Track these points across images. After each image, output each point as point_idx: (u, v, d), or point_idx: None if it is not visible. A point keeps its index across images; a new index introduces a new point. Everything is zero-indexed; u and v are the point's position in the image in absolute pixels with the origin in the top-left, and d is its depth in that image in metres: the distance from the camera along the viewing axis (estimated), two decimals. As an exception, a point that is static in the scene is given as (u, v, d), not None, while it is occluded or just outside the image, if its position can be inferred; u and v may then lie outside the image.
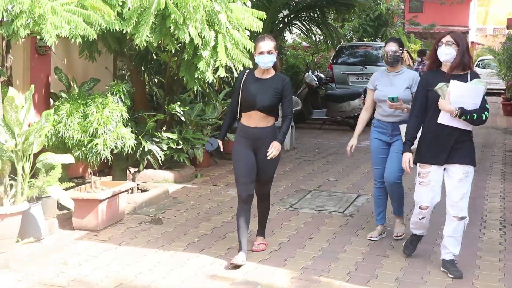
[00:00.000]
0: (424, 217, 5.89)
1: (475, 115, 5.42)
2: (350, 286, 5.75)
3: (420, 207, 5.85)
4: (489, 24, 38.34)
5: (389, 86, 6.61)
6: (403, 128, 6.34)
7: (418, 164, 5.77)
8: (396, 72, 6.72)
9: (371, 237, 6.88)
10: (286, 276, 5.92)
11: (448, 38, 5.55)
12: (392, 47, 6.64)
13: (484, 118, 5.51)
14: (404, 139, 6.19)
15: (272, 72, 6.03)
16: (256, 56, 5.89)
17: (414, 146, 5.93)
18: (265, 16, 7.61)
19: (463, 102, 5.39)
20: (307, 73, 16.77)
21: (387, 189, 6.84)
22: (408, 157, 5.74)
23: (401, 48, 6.72)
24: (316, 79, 16.67)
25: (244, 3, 7.48)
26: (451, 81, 5.44)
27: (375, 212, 7.14)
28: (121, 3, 6.50)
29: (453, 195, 5.64)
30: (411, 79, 6.62)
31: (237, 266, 5.78)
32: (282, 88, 5.94)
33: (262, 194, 6.39)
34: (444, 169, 5.71)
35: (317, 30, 15.08)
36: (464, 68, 5.59)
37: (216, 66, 7.39)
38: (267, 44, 5.78)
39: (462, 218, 5.67)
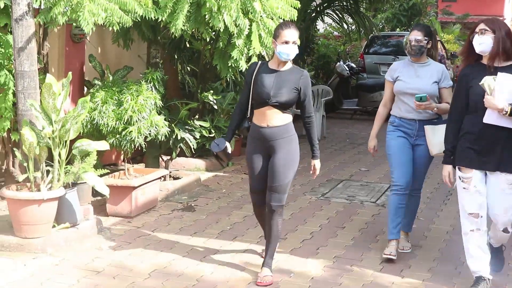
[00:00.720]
0: (479, 229, 4.89)
1: None
2: (383, 275, 5.79)
3: (469, 214, 4.90)
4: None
5: (415, 78, 5.78)
6: (430, 130, 5.63)
7: (457, 168, 4.95)
8: (421, 63, 5.89)
9: (389, 254, 5.81)
10: (319, 265, 5.97)
11: (482, 26, 4.81)
12: (416, 35, 5.76)
13: None
14: (430, 144, 5.63)
15: (290, 64, 5.21)
16: (278, 46, 5.01)
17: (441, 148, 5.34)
18: (299, 5, 7.65)
19: None
20: (338, 63, 16.83)
21: (407, 198, 5.92)
22: (449, 170, 4.97)
23: (426, 38, 5.77)
24: (347, 69, 16.71)
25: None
26: (498, 73, 4.66)
27: (392, 224, 5.96)
28: None
29: (494, 207, 4.85)
30: (440, 73, 5.84)
31: None
32: (300, 84, 5.10)
33: (273, 205, 5.22)
34: (486, 175, 4.90)
35: (349, 19, 15.08)
36: (508, 57, 4.80)
37: (249, 54, 7.43)
38: (293, 33, 4.95)
39: (509, 231, 5.00)
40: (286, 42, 4.95)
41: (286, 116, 5.10)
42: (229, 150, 5.11)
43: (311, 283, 5.62)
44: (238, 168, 10.46)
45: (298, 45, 5.15)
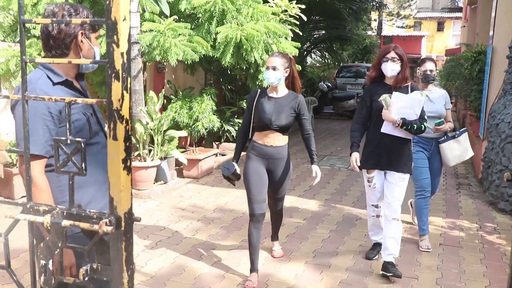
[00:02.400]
0: (378, 215, 4.40)
1: (415, 126, 3.93)
2: (353, 209, 6.11)
3: (372, 205, 4.40)
4: (433, 53, 38.16)
5: (429, 103, 4.58)
6: (445, 147, 4.76)
7: (363, 170, 4.24)
8: (429, 90, 4.72)
9: (427, 248, 4.75)
10: (316, 203, 6.29)
11: (393, 54, 4.04)
12: (430, 67, 4.72)
13: (423, 128, 4.01)
14: (447, 157, 4.78)
15: (285, 90, 4.02)
16: (264, 71, 4.01)
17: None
18: (299, 45, 7.62)
19: (405, 112, 3.93)
20: (320, 83, 16.94)
21: (425, 202, 4.85)
22: (355, 156, 4.15)
23: (436, 69, 4.82)
24: (326, 87, 16.85)
25: (286, 37, 7.39)
26: (394, 92, 3.97)
27: (422, 221, 4.88)
28: (213, 39, 6.71)
29: (388, 196, 4.12)
30: (445, 97, 4.79)
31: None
32: (296, 107, 3.99)
33: (276, 210, 4.39)
34: (384, 173, 4.18)
35: (327, 55, 15.28)
36: (405, 81, 4.12)
37: (261, 84, 7.39)
38: (274, 60, 3.88)
39: (395, 219, 4.11)
40: (267, 68, 3.88)
41: (285, 137, 4.02)
42: (238, 171, 4.00)
43: (311, 214, 5.86)
44: None
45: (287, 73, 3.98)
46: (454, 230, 5.39)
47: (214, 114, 7.65)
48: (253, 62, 7.00)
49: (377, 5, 16.91)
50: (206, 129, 7.45)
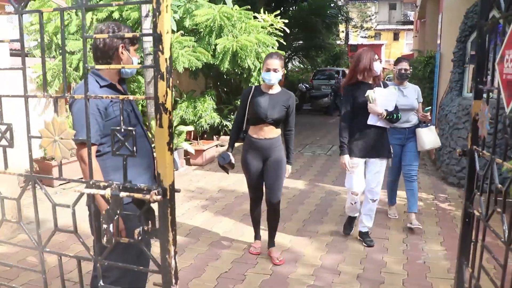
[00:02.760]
0: (356, 202, 4.12)
1: (395, 115, 3.85)
2: (335, 187, 6.17)
3: (352, 193, 4.06)
4: (391, 58, 38.38)
5: (402, 97, 4.38)
6: (422, 132, 4.45)
7: (346, 159, 3.92)
8: (404, 86, 4.49)
9: (394, 215, 4.84)
10: (302, 183, 6.33)
11: (377, 56, 3.92)
12: (404, 65, 4.46)
13: (400, 117, 3.91)
14: (422, 142, 4.45)
15: (279, 88, 3.72)
16: (263, 72, 3.65)
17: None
18: (284, 53, 7.72)
19: (386, 105, 3.81)
20: (299, 84, 17.04)
21: (406, 185, 4.57)
22: (347, 159, 3.91)
23: (410, 67, 4.54)
24: (304, 87, 16.88)
25: (273, 47, 7.32)
26: (376, 88, 3.83)
27: (390, 196, 4.93)
28: (213, 49, 6.75)
29: (371, 183, 3.98)
30: (417, 91, 4.53)
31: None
32: (289, 103, 3.67)
33: (273, 204, 3.76)
34: (365, 162, 3.97)
35: (305, 60, 15.38)
36: (380, 78, 3.99)
37: (259, 80, 7.43)
38: (274, 62, 3.63)
39: (375, 200, 4.05)
40: (268, 70, 3.57)
41: (278, 130, 3.71)
42: (233, 160, 3.75)
43: (299, 191, 5.93)
44: None
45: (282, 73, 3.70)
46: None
47: (214, 112, 7.69)
48: (246, 67, 7.06)
49: (345, 19, 16.98)
50: (208, 124, 7.50)
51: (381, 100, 3.80)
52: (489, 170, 2.21)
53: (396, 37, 41.44)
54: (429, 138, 4.46)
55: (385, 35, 40.36)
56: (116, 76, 2.29)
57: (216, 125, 7.94)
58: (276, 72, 3.57)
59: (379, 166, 3.97)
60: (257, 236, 4.04)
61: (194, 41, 6.76)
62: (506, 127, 2.00)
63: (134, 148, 1.65)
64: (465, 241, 2.63)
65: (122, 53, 2.21)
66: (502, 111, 2.13)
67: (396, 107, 3.90)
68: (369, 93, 3.80)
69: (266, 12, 7.83)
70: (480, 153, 2.40)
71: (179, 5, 6.55)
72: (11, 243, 2.03)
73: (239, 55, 6.68)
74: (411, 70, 4.50)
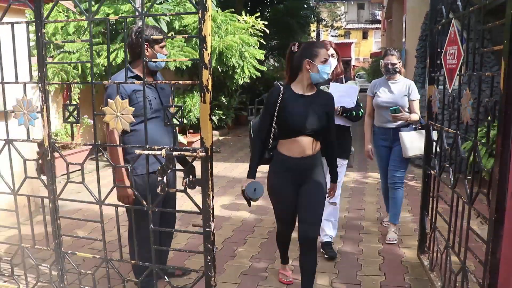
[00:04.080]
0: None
1: (354, 112, 3.35)
2: None
3: None
4: (360, 56, 39.59)
5: (388, 93, 3.91)
6: (404, 136, 3.82)
7: None
8: (394, 80, 3.92)
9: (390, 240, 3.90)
10: None
11: (332, 51, 3.34)
12: (391, 59, 3.88)
13: (360, 115, 3.40)
14: (404, 147, 3.82)
15: (314, 87, 2.74)
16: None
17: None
18: (264, 52, 8.41)
19: (343, 101, 3.33)
20: (275, 82, 17.66)
21: (390, 192, 4.02)
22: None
23: (399, 61, 3.96)
24: (279, 84, 17.56)
25: (254, 46, 7.96)
26: (331, 83, 3.35)
27: (386, 204, 4.29)
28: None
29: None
30: (408, 87, 3.90)
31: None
32: (328, 108, 2.75)
33: (309, 240, 2.70)
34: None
35: (282, 60, 15.95)
36: (341, 73, 3.51)
37: (243, 76, 8.14)
38: (329, 51, 3.10)
39: (333, 203, 3.53)
40: (325, 60, 2.64)
41: (318, 143, 2.74)
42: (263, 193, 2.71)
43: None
44: (235, 134, 10.68)
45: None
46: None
47: (201, 107, 8.17)
48: (231, 65, 7.63)
49: (316, 19, 17.70)
50: (196, 118, 8.01)
51: (337, 96, 3.18)
52: (440, 137, 2.89)
53: (365, 35, 42.77)
54: (413, 143, 3.81)
55: (354, 34, 41.57)
56: (145, 70, 2.79)
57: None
58: (334, 57, 3.21)
59: (339, 166, 3.21)
60: (285, 260, 3.22)
61: (183, 42, 7.25)
62: (449, 103, 2.68)
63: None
64: (425, 196, 3.33)
65: (147, 50, 2.75)
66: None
67: (357, 103, 3.43)
68: (322, 87, 3.29)
69: (247, 14, 8.42)
70: (435, 126, 3.08)
71: (170, 9, 7.06)
72: (77, 200, 2.58)
73: (224, 54, 7.25)
74: (400, 63, 3.93)
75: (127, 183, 2.67)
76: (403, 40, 9.01)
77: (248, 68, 8.03)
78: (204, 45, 2.10)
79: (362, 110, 3.47)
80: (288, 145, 2.70)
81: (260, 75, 8.41)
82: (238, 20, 7.91)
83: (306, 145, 2.68)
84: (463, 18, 2.49)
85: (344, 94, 3.40)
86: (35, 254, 2.91)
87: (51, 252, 2.74)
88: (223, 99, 10.05)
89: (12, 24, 2.50)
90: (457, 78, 2.56)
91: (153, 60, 2.64)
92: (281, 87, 2.74)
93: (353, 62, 37.56)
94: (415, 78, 7.69)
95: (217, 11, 7.46)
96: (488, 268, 2.03)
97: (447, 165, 2.73)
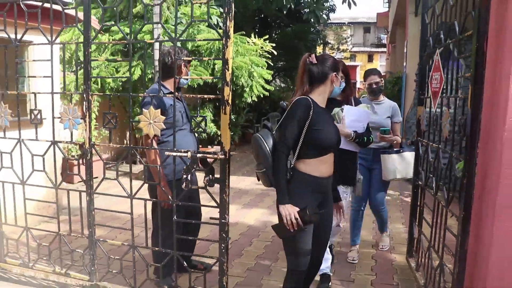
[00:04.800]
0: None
1: (365, 138, 3.14)
2: None
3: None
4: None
5: (372, 114, 3.70)
6: (387, 158, 3.75)
7: None
8: (378, 101, 3.88)
9: (353, 260, 3.87)
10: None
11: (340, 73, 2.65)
12: (374, 79, 3.80)
13: (371, 140, 3.21)
14: (385, 169, 3.79)
15: None
16: (339, 81, 2.57)
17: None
18: (272, 73, 8.89)
19: (355, 126, 3.11)
20: (281, 102, 18.10)
21: (374, 213, 4.09)
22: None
23: (381, 79, 3.86)
24: (285, 105, 17.91)
25: (262, 67, 8.39)
26: (345, 106, 3.14)
27: (353, 233, 4.03)
28: (211, 69, 7.60)
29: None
30: (392, 109, 3.88)
31: None
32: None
33: (320, 262, 2.72)
34: None
35: (288, 80, 16.44)
36: (350, 95, 3.26)
37: (251, 95, 8.54)
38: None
39: (338, 226, 3.34)
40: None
41: None
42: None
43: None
44: (242, 150, 10.98)
45: None
46: (383, 195, 6.54)
47: (211, 123, 8.61)
48: (240, 85, 8.11)
49: (323, 42, 18.27)
50: (206, 134, 8.44)
51: (350, 119, 3.12)
52: (426, 152, 3.32)
53: (370, 59, 43.49)
54: (393, 165, 3.74)
55: (360, 57, 42.31)
56: (174, 86, 3.22)
57: (212, 135, 8.86)
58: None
59: (342, 191, 3.16)
60: None
61: (196, 62, 7.75)
62: (433, 122, 3.11)
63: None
64: (414, 205, 3.74)
65: (182, 69, 3.20)
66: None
67: (368, 128, 3.24)
68: (336, 111, 3.12)
69: (256, 36, 8.94)
70: (423, 142, 3.50)
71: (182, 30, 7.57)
72: (109, 194, 3.00)
73: (235, 73, 7.72)
74: (382, 82, 3.86)
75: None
76: (404, 64, 9.51)
77: (256, 87, 8.47)
78: (226, 66, 2.56)
79: (372, 135, 3.26)
80: (316, 164, 2.44)
81: (267, 95, 8.82)
82: (248, 42, 8.42)
83: (332, 163, 2.52)
84: (444, 49, 2.94)
85: (356, 119, 3.16)
86: (70, 242, 3.31)
87: (84, 240, 3.16)
88: (232, 116, 10.44)
89: (63, 44, 2.97)
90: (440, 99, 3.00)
91: (184, 77, 3.09)
92: (309, 99, 2.45)
93: (358, 85, 38.28)
94: (414, 101, 8.15)
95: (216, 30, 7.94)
96: (457, 258, 2.43)
97: (431, 175, 3.15)
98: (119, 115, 3.20)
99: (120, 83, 7.39)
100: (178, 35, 2.78)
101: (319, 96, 2.53)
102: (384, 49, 34.52)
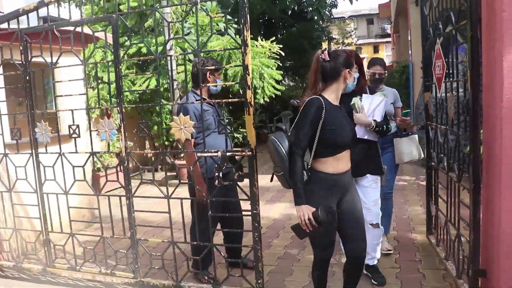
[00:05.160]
0: None
1: (385, 126, 3.11)
2: None
3: None
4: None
5: None
6: (400, 141, 3.81)
7: None
8: (380, 89, 3.76)
9: (387, 250, 3.84)
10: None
11: (354, 68, 2.69)
12: (378, 69, 3.80)
13: (390, 128, 3.20)
14: (401, 152, 3.80)
15: None
16: (354, 74, 2.60)
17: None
18: (282, 73, 9.08)
19: (374, 114, 3.11)
20: (291, 100, 18.37)
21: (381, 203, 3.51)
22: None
23: (385, 70, 3.86)
24: (295, 102, 18.05)
25: (272, 68, 8.57)
26: (364, 95, 3.12)
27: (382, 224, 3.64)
28: (224, 74, 7.90)
29: (366, 202, 3.15)
30: (394, 95, 3.86)
31: None
32: (351, 115, 2.93)
33: (360, 259, 2.62)
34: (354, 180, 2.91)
35: (297, 78, 16.68)
36: (365, 85, 3.08)
37: (263, 96, 8.71)
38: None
39: (375, 224, 3.26)
40: (356, 69, 2.67)
41: None
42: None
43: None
44: (258, 149, 11.64)
45: None
46: (401, 181, 6.76)
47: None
48: (253, 87, 8.36)
49: (327, 38, 18.48)
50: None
51: (369, 108, 3.13)
52: (435, 134, 3.55)
53: (376, 50, 43.47)
54: (408, 149, 3.82)
55: (366, 49, 42.32)
56: (207, 93, 3.47)
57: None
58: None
59: (370, 181, 3.21)
60: None
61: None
62: (440, 106, 3.35)
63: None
64: (429, 185, 3.96)
65: (209, 77, 3.46)
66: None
67: (385, 116, 3.25)
68: (355, 100, 3.09)
69: (262, 38, 9.20)
70: (432, 125, 3.74)
71: (194, 39, 7.89)
72: (148, 196, 3.30)
73: (246, 76, 8.00)
74: (385, 73, 3.90)
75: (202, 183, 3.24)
76: (410, 52, 9.69)
77: (268, 88, 8.71)
78: (247, 71, 2.83)
79: (390, 123, 3.26)
80: (332, 162, 2.48)
81: (279, 94, 9.06)
82: (256, 45, 8.69)
83: (348, 158, 2.56)
84: (444, 38, 3.18)
85: (375, 107, 3.16)
86: (113, 243, 3.61)
87: (127, 241, 3.45)
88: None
89: (96, 64, 3.28)
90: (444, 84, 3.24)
91: (211, 85, 3.36)
92: (320, 98, 2.48)
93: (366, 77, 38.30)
94: (421, 88, 8.34)
95: (235, 39, 8.24)
96: (472, 227, 2.67)
97: (442, 155, 3.38)
98: (134, 125, 3.46)
99: (137, 95, 7.72)
100: (199, 46, 3.05)
101: (332, 94, 2.54)
102: (389, 39, 34.54)
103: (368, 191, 3.20)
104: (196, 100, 3.32)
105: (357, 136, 2.80)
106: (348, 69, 2.54)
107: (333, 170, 2.47)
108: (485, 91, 2.52)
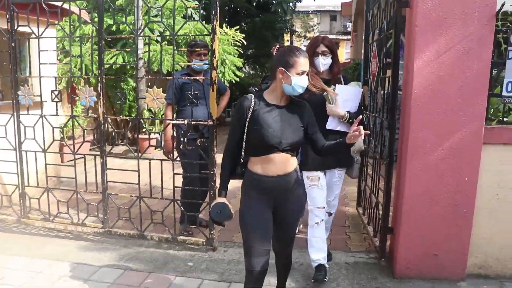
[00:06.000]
0: (322, 219, 3.23)
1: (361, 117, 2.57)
2: None
3: (318, 208, 3.18)
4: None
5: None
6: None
7: (305, 172, 3.15)
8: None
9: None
10: None
11: (323, 48, 3.08)
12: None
13: (364, 120, 3.32)
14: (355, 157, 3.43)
15: (289, 97, 2.42)
16: (292, 77, 2.29)
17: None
18: (242, 60, 9.67)
19: (348, 106, 3.11)
20: (250, 87, 19.05)
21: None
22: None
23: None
24: (254, 90, 18.80)
25: (234, 55, 9.13)
26: (337, 85, 3.12)
27: None
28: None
29: (330, 196, 3.34)
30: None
31: None
32: (305, 118, 2.43)
33: (285, 256, 2.69)
34: (324, 172, 3.22)
35: (257, 67, 17.26)
36: (338, 73, 3.22)
37: (223, 81, 9.06)
38: (306, 63, 2.34)
39: (331, 214, 3.47)
40: (303, 73, 2.32)
41: (294, 159, 2.46)
42: (232, 211, 2.41)
43: None
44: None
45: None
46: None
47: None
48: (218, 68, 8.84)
49: (290, 30, 19.18)
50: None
51: (343, 99, 3.10)
52: (368, 120, 4.24)
53: (336, 46, 44.70)
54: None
55: (327, 45, 43.38)
56: (193, 71, 3.94)
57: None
58: (307, 75, 2.41)
59: (337, 177, 3.32)
60: None
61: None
62: (373, 97, 4.04)
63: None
64: (361, 165, 4.65)
65: (191, 57, 3.95)
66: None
67: (360, 107, 3.26)
68: (330, 89, 3.04)
69: (227, 26, 9.71)
70: (367, 114, 4.43)
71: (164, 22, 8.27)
72: (120, 156, 3.80)
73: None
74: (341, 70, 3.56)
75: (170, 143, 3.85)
76: (362, 51, 10.52)
77: (228, 73, 9.22)
78: (214, 55, 3.40)
79: (364, 114, 3.16)
80: (261, 163, 2.39)
81: (238, 80, 9.60)
82: (220, 32, 9.18)
83: (282, 162, 2.38)
84: (378, 43, 3.86)
85: (349, 98, 3.14)
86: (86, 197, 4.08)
87: (99, 197, 3.95)
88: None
89: (81, 37, 3.74)
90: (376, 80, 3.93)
91: (192, 63, 3.86)
92: (252, 96, 2.43)
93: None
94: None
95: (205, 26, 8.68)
96: (385, 193, 3.39)
97: (371, 138, 4.10)
98: (106, 98, 3.96)
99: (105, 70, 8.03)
100: (175, 31, 3.57)
101: (272, 93, 2.42)
102: (349, 37, 35.76)
103: (333, 188, 3.32)
104: (181, 75, 3.85)
105: (328, 128, 3.01)
106: (282, 68, 2.33)
107: (262, 172, 2.38)
108: (404, 86, 3.21)
